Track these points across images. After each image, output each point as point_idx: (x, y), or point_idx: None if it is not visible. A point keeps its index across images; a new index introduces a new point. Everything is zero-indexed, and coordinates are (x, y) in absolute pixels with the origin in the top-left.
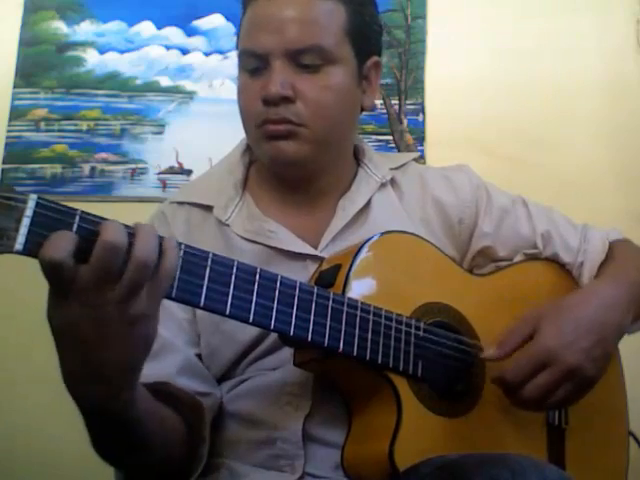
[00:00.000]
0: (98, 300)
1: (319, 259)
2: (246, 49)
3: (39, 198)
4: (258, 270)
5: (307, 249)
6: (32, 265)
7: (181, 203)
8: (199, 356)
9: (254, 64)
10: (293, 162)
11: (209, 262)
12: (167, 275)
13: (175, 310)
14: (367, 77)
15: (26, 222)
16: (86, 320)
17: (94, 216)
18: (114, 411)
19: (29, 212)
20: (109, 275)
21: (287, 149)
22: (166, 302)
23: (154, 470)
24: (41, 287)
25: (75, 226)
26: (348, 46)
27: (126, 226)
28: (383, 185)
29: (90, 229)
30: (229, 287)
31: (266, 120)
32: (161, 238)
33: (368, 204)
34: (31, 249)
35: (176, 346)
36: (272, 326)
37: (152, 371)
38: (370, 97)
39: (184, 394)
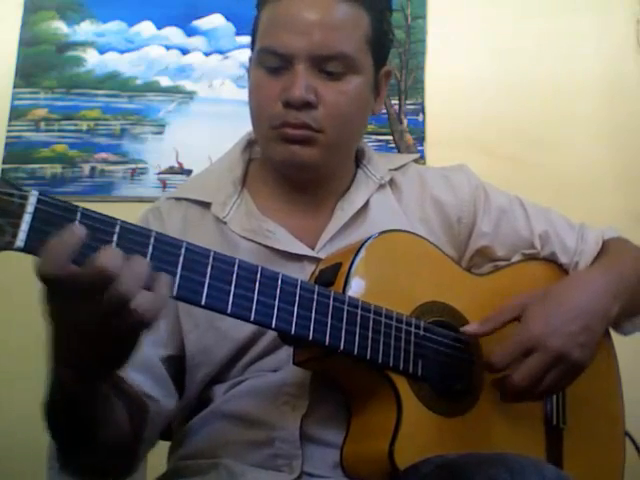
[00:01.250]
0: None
1: (316, 260)
2: (268, 47)
3: (40, 194)
4: (259, 268)
5: (304, 250)
6: (30, 265)
7: (178, 199)
8: (170, 359)
9: (275, 63)
10: (305, 166)
11: (211, 260)
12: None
13: None
14: (378, 85)
15: (27, 218)
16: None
17: (95, 213)
18: (78, 393)
19: (30, 208)
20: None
21: (301, 154)
22: None
23: (97, 458)
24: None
25: (76, 223)
26: (368, 55)
27: None
28: (382, 186)
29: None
30: (230, 285)
31: (285, 123)
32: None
33: (366, 205)
34: (32, 246)
35: None
36: (273, 325)
37: None
38: (379, 104)
39: (133, 392)
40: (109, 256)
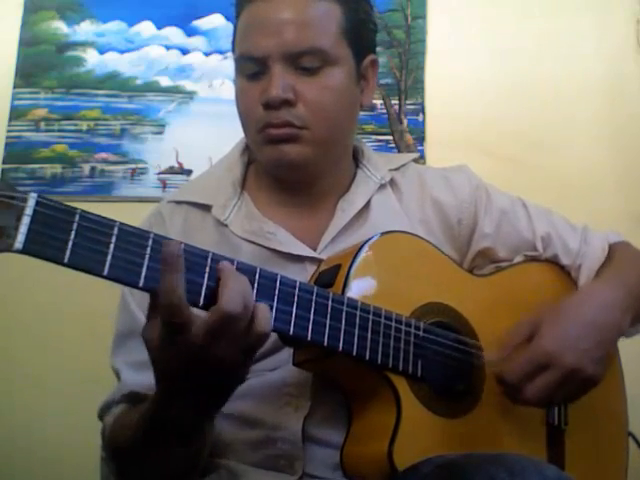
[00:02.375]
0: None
1: (318, 261)
2: (244, 54)
3: (39, 197)
4: (258, 269)
5: (306, 251)
6: (31, 273)
7: (179, 202)
8: None
9: (252, 69)
10: (295, 165)
11: (209, 261)
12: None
13: None
14: (365, 76)
15: (26, 221)
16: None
17: (94, 215)
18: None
19: (29, 211)
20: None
21: (289, 152)
22: None
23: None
24: (39, 295)
25: (75, 225)
26: (345, 46)
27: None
28: (382, 186)
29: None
30: None
31: (268, 124)
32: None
33: (367, 205)
34: (30, 248)
35: None
36: (272, 325)
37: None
38: (368, 95)
39: None
40: (234, 300)
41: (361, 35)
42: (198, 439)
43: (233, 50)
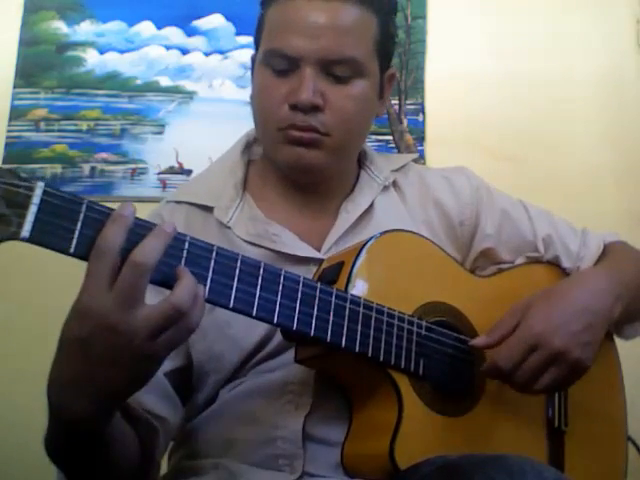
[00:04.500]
0: (120, 326)
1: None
2: (276, 49)
3: (46, 186)
4: (262, 264)
5: (311, 252)
6: (31, 271)
7: (179, 202)
8: (173, 372)
9: (283, 65)
10: (311, 169)
11: (214, 255)
12: (191, 328)
13: None
14: (382, 88)
15: (33, 209)
16: (101, 341)
17: (100, 206)
18: (92, 427)
19: (36, 200)
20: (134, 300)
21: (307, 156)
22: None
23: None
24: (39, 289)
25: (82, 215)
26: (376, 59)
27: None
28: (385, 188)
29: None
30: (233, 280)
31: (291, 125)
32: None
33: (371, 207)
34: (37, 236)
35: None
36: (275, 320)
37: None
38: (382, 107)
39: (141, 414)
40: (185, 295)
41: (388, 49)
42: (108, 440)
43: (256, 41)
